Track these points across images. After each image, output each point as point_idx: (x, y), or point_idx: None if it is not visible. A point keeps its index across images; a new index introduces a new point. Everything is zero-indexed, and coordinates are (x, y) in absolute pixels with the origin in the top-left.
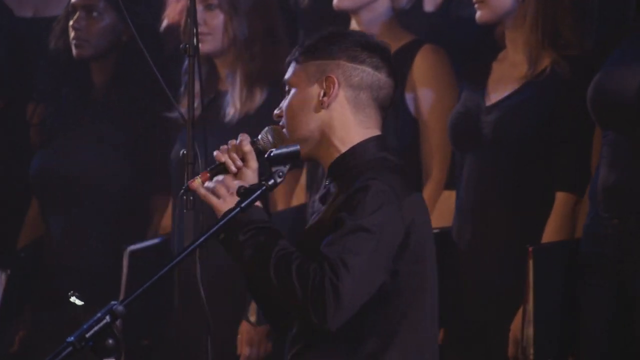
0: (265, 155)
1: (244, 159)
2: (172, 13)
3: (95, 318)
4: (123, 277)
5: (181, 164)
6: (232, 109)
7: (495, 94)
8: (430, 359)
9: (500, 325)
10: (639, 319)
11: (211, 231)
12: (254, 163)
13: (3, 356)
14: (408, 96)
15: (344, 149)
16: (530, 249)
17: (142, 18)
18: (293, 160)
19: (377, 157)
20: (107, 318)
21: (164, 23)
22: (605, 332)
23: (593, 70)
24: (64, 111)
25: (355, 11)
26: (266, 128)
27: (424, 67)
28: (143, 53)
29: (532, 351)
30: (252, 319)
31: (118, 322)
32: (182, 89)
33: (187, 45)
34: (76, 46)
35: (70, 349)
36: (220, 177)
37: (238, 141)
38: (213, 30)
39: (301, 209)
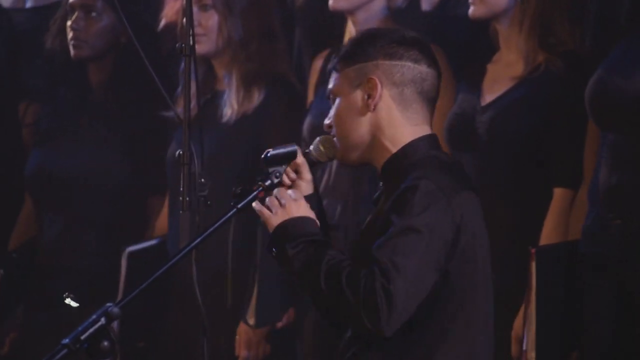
0: (262, 156)
1: (297, 171)
2: (170, 13)
3: (90, 320)
4: (121, 279)
5: (177, 164)
6: (230, 109)
7: (490, 94)
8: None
9: (500, 326)
10: None
11: (207, 232)
12: (307, 175)
13: None
14: None
15: (394, 149)
16: (533, 250)
17: (141, 18)
18: (290, 160)
19: (427, 156)
20: (103, 320)
21: (162, 23)
22: (607, 332)
23: (589, 68)
24: (61, 111)
25: (351, 11)
26: (317, 138)
27: None
28: (139, 52)
29: (534, 355)
30: (251, 321)
31: (114, 324)
32: (180, 89)
33: (183, 45)
34: (74, 47)
35: (65, 351)
36: (275, 191)
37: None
38: (208, 31)
39: None
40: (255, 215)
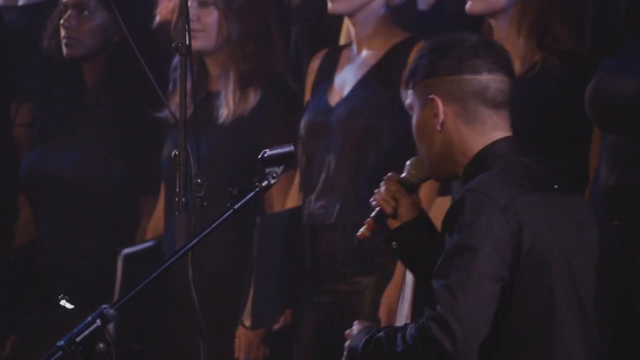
0: (259, 156)
1: (395, 199)
2: (164, 11)
3: (85, 322)
4: (117, 281)
5: (173, 164)
6: (226, 110)
7: None
8: None
9: None
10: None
11: (203, 233)
12: (404, 199)
13: None
14: (404, 94)
15: (466, 161)
16: None
17: (134, 17)
18: (287, 161)
19: (489, 165)
20: (98, 322)
21: (156, 21)
22: (605, 332)
23: (587, 67)
24: (56, 111)
25: (351, 14)
26: (408, 162)
27: None
28: (135, 52)
29: None
30: (247, 323)
31: (110, 326)
32: (171, 87)
33: (179, 44)
34: (66, 45)
35: (60, 353)
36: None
37: (385, 183)
38: (206, 27)
39: (296, 211)
40: (251, 216)
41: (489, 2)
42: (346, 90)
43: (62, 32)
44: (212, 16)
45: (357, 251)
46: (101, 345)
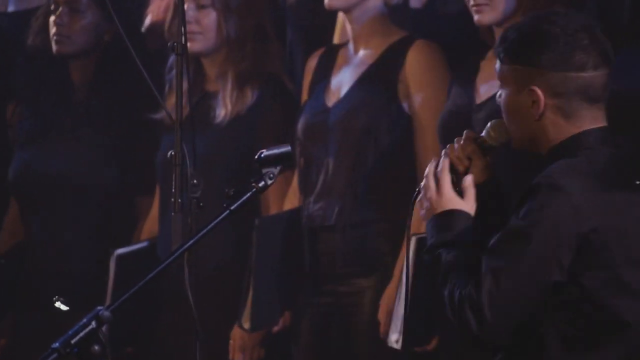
0: (256, 157)
1: (470, 158)
2: (156, 11)
3: (80, 324)
4: (110, 282)
5: (168, 165)
6: (223, 109)
7: (486, 91)
8: None
9: None
10: None
11: (200, 234)
12: (479, 161)
13: None
14: (401, 93)
15: (555, 144)
16: None
17: (127, 16)
18: (284, 161)
19: (575, 154)
20: (93, 324)
21: (147, 21)
22: None
23: None
24: (44, 111)
25: (347, 9)
26: (489, 123)
27: (418, 63)
28: (128, 51)
29: None
30: (246, 325)
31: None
32: (167, 88)
33: (175, 44)
34: (56, 42)
35: (55, 355)
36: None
37: (462, 140)
38: (205, 29)
39: (295, 212)
40: (249, 217)
41: (499, 10)
42: (344, 90)
43: (53, 29)
44: (210, 18)
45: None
46: (96, 348)
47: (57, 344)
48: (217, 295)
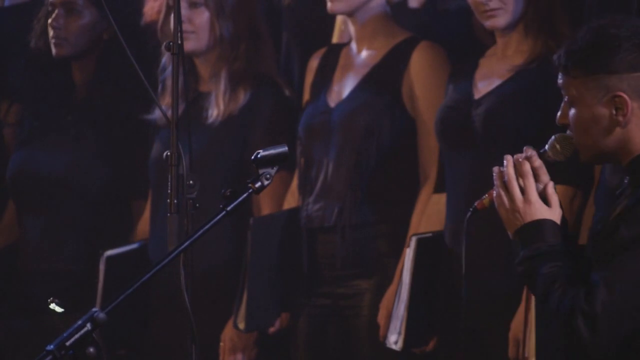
0: (252, 157)
1: (535, 174)
2: (150, 11)
3: (75, 326)
4: (99, 284)
5: (164, 166)
6: (216, 110)
7: (484, 87)
8: None
9: (498, 330)
10: None
11: (196, 235)
12: (545, 177)
13: None
14: (405, 94)
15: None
16: None
17: (122, 15)
18: (281, 162)
19: None
20: (89, 326)
21: (141, 21)
22: None
23: None
24: (43, 112)
25: (351, 13)
26: (552, 137)
27: (422, 65)
28: (125, 51)
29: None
30: (241, 325)
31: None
32: (160, 88)
33: (172, 43)
34: (55, 45)
35: (50, 357)
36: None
37: (525, 156)
38: (198, 28)
39: (292, 212)
40: (244, 218)
41: (511, 12)
42: (346, 91)
43: (51, 32)
44: (203, 17)
45: (471, 219)
46: (91, 350)
47: (51, 346)
48: (211, 296)
